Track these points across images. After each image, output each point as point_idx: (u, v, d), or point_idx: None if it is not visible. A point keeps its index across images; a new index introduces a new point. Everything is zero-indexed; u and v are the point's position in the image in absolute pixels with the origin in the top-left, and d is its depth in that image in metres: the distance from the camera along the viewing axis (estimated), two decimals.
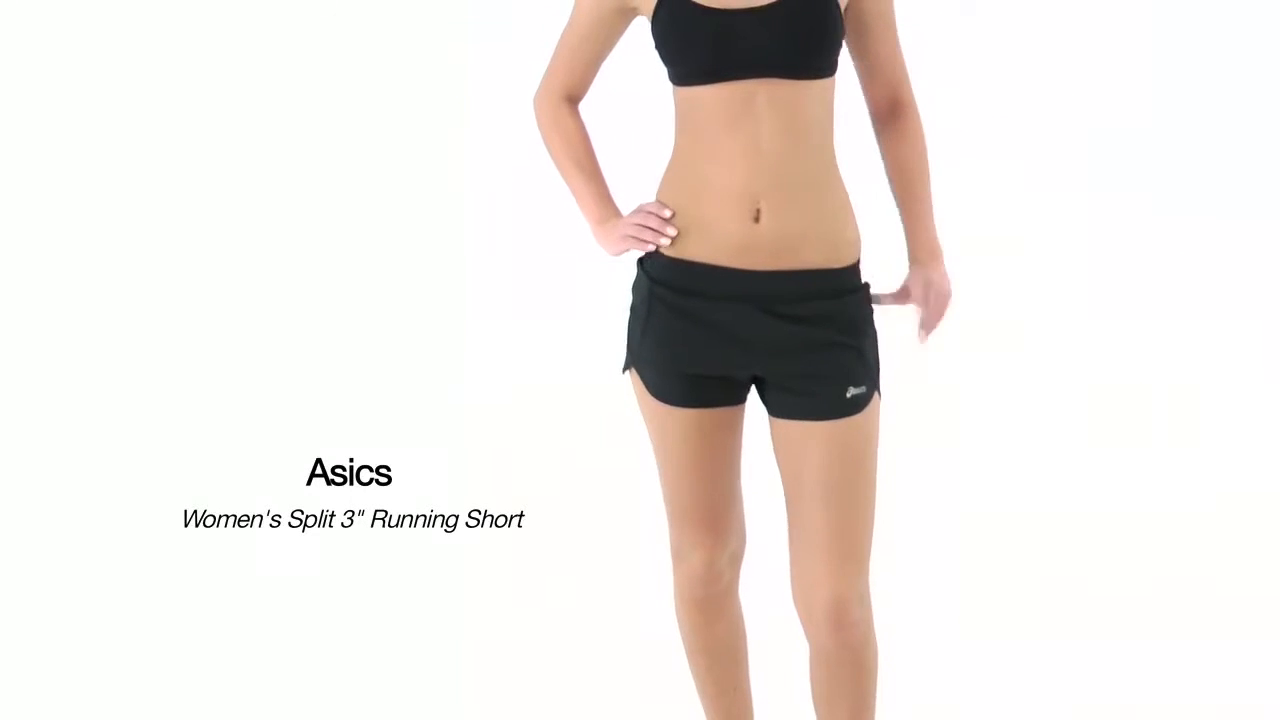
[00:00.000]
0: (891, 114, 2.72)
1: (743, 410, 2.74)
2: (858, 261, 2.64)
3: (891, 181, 2.74)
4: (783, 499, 2.67)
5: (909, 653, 3.25)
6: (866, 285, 2.66)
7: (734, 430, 2.74)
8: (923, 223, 2.75)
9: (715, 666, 2.93)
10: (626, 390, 2.73)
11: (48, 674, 3.28)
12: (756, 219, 2.54)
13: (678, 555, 2.84)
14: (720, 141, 2.55)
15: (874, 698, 2.76)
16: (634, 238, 2.65)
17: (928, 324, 2.77)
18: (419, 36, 5.18)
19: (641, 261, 2.69)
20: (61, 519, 3.80)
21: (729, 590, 2.88)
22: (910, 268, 2.74)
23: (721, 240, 2.57)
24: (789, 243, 2.55)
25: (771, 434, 2.69)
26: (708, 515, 2.77)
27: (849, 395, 2.59)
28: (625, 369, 2.73)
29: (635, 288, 2.70)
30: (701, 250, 2.59)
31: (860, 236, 2.64)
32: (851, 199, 2.63)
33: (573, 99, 2.78)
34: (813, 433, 2.61)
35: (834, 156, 2.62)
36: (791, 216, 2.55)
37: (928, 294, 2.74)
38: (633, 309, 2.70)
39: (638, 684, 3.29)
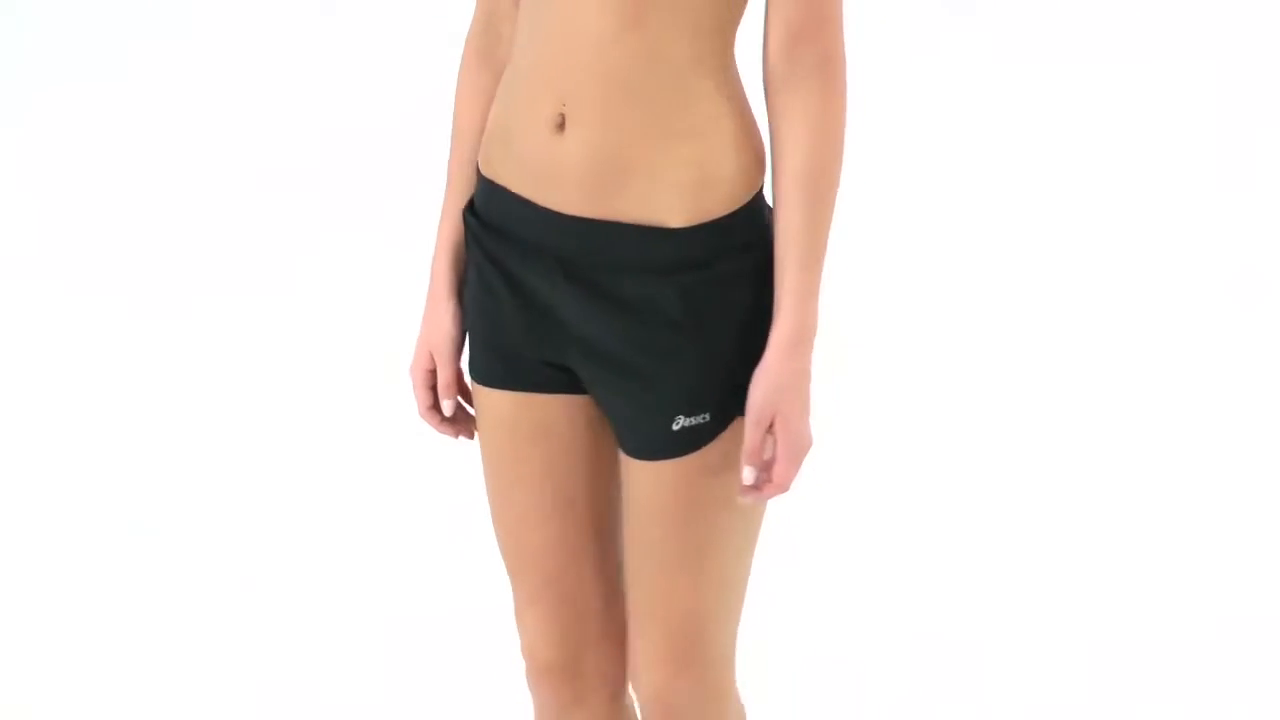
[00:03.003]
0: (794, 59, 1.69)
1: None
2: (742, 209, 1.75)
3: (775, 188, 1.76)
4: None
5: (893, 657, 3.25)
6: (758, 249, 1.76)
7: (587, 430, 1.90)
8: (800, 273, 1.71)
9: None
10: None
11: (47, 672, 3.29)
12: (560, 127, 1.72)
13: (518, 621, 2.02)
14: (533, 8, 1.76)
15: None
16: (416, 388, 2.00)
17: (778, 469, 1.75)
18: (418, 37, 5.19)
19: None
20: (57, 517, 3.81)
21: (603, 695, 1.99)
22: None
23: (520, 156, 1.78)
24: (605, 173, 1.71)
25: None
26: (552, 562, 1.93)
27: (676, 428, 1.77)
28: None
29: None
30: (506, 169, 1.80)
31: (755, 169, 1.77)
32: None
33: (503, 33, 1.89)
34: (638, 472, 1.84)
35: (727, 47, 1.73)
36: (610, 130, 1.70)
37: (772, 415, 1.74)
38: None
39: None
